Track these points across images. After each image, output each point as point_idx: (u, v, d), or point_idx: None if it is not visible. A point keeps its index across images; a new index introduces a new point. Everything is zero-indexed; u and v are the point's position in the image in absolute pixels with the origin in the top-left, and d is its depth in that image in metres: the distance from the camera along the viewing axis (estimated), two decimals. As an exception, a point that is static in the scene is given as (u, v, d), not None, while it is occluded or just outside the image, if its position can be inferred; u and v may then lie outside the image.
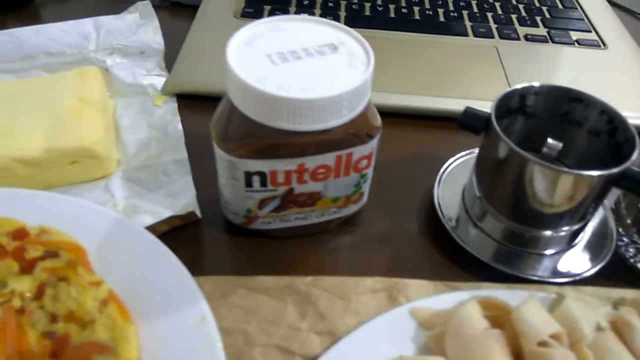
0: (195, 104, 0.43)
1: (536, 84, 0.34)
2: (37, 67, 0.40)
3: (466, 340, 0.25)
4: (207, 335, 0.25)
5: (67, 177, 0.35)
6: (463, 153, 0.40)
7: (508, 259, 0.33)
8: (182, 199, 0.35)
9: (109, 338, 0.25)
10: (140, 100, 0.43)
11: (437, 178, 0.37)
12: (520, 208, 0.32)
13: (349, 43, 0.29)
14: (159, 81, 0.44)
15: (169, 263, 0.28)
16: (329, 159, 0.29)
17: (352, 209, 0.34)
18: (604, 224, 0.36)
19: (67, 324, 0.26)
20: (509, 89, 0.33)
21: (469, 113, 0.33)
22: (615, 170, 0.28)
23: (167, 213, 0.34)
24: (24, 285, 0.27)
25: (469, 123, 0.33)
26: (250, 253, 0.34)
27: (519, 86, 0.33)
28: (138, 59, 0.43)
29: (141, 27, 0.44)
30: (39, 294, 0.27)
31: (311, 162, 0.29)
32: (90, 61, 0.42)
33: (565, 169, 0.31)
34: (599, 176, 0.28)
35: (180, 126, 0.40)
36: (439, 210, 0.35)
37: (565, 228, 0.33)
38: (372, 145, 0.30)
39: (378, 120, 0.30)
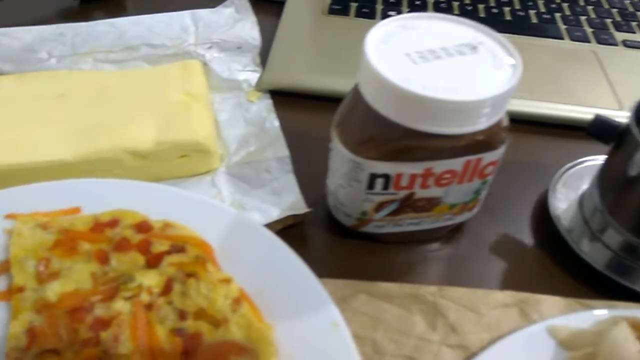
0: (288, 100, 0.43)
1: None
2: (138, 59, 0.40)
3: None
4: (341, 341, 0.24)
5: (174, 171, 0.35)
6: (574, 162, 0.38)
7: (632, 275, 0.31)
8: (287, 197, 0.35)
9: (245, 339, 0.24)
10: (235, 96, 0.42)
11: (551, 187, 0.36)
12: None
13: (488, 43, 0.28)
14: (253, 77, 0.43)
15: (293, 264, 0.27)
16: (457, 164, 0.28)
17: (465, 216, 0.33)
18: None
19: (197, 322, 0.25)
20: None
21: (600, 121, 0.31)
22: None
23: (274, 211, 0.34)
24: (151, 280, 0.27)
25: (598, 132, 0.31)
26: (356, 256, 0.33)
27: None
28: (235, 53, 0.43)
29: (238, 22, 0.43)
30: (166, 290, 0.27)
31: (439, 166, 0.28)
32: (190, 54, 0.41)
33: None
34: None
35: (277, 123, 0.40)
36: (556, 222, 0.33)
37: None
38: (500, 152, 0.29)
39: (509, 126, 0.29)
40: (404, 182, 0.29)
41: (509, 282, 0.31)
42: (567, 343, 0.25)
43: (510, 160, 0.39)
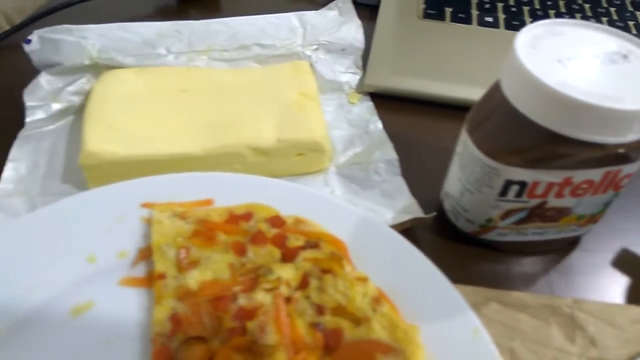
0: (386, 103, 0.43)
1: None
2: (249, 58, 0.41)
3: None
4: (485, 348, 0.24)
5: (289, 168, 0.36)
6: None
7: None
8: (399, 200, 0.35)
9: (390, 339, 0.24)
10: (336, 97, 0.43)
11: (676, 203, 0.34)
12: None
13: (637, 52, 0.27)
14: (354, 79, 0.44)
15: (425, 267, 0.27)
16: (596, 174, 0.28)
17: (589, 228, 0.32)
18: None
19: (336, 318, 0.26)
20: None
21: None
22: None
23: (387, 213, 0.34)
24: (288, 274, 0.27)
25: None
26: (471, 263, 0.33)
27: None
28: (338, 55, 0.43)
29: (344, 25, 0.44)
30: (303, 284, 0.27)
31: (579, 176, 0.27)
32: (297, 55, 0.42)
33: None
34: None
35: (380, 125, 0.40)
36: (685, 239, 0.32)
37: None
38: (638, 165, 0.28)
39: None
40: (539, 190, 0.28)
41: (635, 298, 0.30)
42: None
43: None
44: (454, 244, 0.33)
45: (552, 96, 0.24)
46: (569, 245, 0.33)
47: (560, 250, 0.33)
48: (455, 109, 0.43)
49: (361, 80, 0.44)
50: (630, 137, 0.25)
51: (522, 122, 0.26)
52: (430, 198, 0.35)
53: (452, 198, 0.32)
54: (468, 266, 0.32)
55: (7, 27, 0.53)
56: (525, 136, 0.26)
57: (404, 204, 0.34)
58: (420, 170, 0.37)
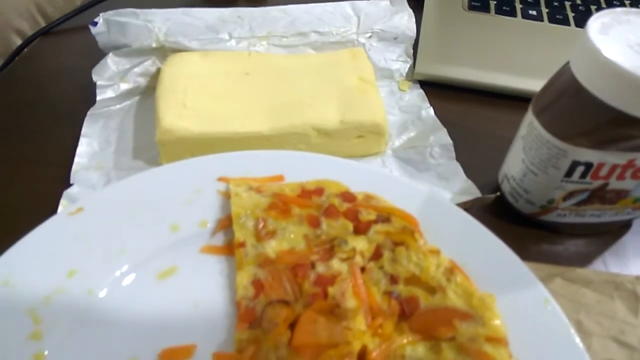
0: (437, 92, 0.44)
1: None
2: (306, 44, 0.43)
3: None
4: (556, 316, 0.25)
5: (350, 150, 0.37)
6: None
7: None
8: (455, 182, 0.36)
9: (467, 306, 0.25)
10: (387, 84, 0.44)
11: None
12: None
13: (703, 40, 0.28)
14: (404, 67, 0.45)
15: (492, 242, 0.29)
16: (660, 157, 0.29)
17: (642, 212, 0.33)
18: None
19: (410, 287, 0.27)
20: None
21: None
22: None
23: (445, 194, 0.35)
24: (362, 245, 0.28)
25: None
26: (529, 243, 0.34)
27: None
28: (390, 44, 0.45)
29: (396, 14, 0.45)
30: (376, 255, 0.28)
31: (643, 158, 0.29)
32: (352, 43, 0.43)
33: None
34: None
35: (432, 112, 0.41)
36: None
37: None
38: (700, 147, 0.29)
39: None
40: (603, 172, 0.29)
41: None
42: None
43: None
44: (511, 225, 0.35)
45: (625, 78, 0.25)
46: (622, 228, 0.34)
47: (613, 232, 0.34)
48: (501, 97, 0.44)
49: (411, 69, 0.45)
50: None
51: (592, 103, 0.27)
52: (485, 182, 0.36)
53: (513, 180, 0.33)
54: (526, 246, 0.33)
55: (40, 20, 0.55)
56: (595, 117, 0.28)
57: (460, 186, 0.36)
58: (474, 155, 0.38)
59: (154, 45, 0.40)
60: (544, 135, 0.29)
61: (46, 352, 0.25)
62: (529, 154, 0.31)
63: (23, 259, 0.27)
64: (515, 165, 0.33)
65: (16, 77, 0.45)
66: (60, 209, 0.32)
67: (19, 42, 0.52)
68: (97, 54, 0.41)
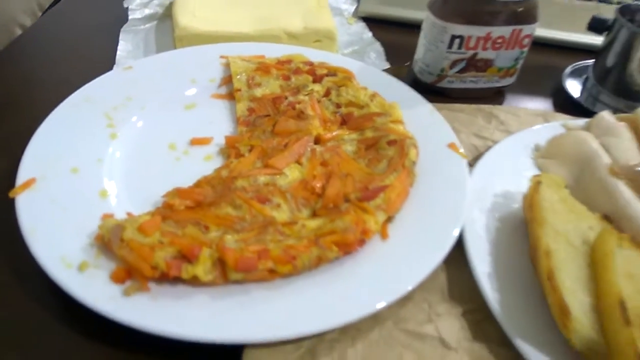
0: (375, 25, 0.60)
1: (645, 1, 0.48)
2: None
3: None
4: (438, 119, 0.41)
5: (311, 50, 0.53)
6: (579, 62, 0.54)
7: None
8: (383, 65, 0.52)
9: (382, 111, 0.41)
10: (339, 19, 0.60)
11: (565, 74, 0.52)
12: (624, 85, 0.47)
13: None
14: (351, 8, 0.61)
15: (399, 85, 0.44)
16: (506, 31, 0.45)
17: (507, 81, 0.50)
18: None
19: (349, 108, 0.42)
20: (626, 3, 0.48)
21: (596, 18, 0.48)
22: None
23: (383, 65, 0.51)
24: (317, 88, 0.44)
25: (595, 25, 0.48)
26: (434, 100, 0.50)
27: (634, 2, 0.48)
28: (340, -11, 0.61)
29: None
30: (326, 94, 0.44)
31: (495, 32, 0.45)
32: (312, -13, 0.60)
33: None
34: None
35: (370, 34, 0.58)
36: (569, 91, 0.50)
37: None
38: (534, 27, 0.46)
39: (538, 13, 0.46)
40: (472, 43, 0.46)
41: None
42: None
43: (539, 61, 0.56)
44: (422, 94, 0.51)
45: (474, -28, 0.42)
46: (497, 95, 0.51)
47: (489, 97, 0.50)
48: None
49: (356, 9, 0.61)
50: (522, -4, 0.43)
51: (459, -6, 0.44)
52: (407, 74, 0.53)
53: (419, 60, 0.49)
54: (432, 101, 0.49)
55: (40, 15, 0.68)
56: (464, 2, 0.44)
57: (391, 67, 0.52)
58: (399, 60, 0.54)
59: (167, -17, 0.55)
60: (433, 20, 0.46)
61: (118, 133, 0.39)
62: (426, 37, 0.47)
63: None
64: (419, 49, 0.49)
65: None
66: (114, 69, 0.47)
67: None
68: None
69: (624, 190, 0.35)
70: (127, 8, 0.54)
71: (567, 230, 0.31)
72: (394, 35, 0.58)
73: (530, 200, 0.32)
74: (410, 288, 0.30)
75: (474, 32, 0.45)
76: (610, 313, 0.26)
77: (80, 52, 0.52)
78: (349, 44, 0.56)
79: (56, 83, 0.48)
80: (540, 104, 0.50)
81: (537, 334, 0.28)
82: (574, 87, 0.52)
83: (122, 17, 0.55)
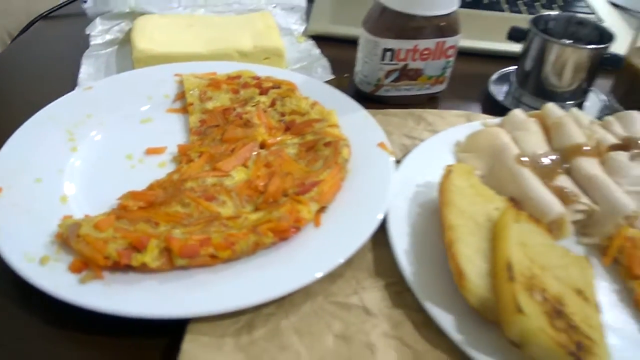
0: (323, 42, 0.66)
1: (554, 12, 0.54)
2: (231, 11, 0.64)
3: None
4: (371, 122, 0.46)
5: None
6: (503, 70, 0.60)
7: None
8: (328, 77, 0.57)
9: (321, 117, 0.46)
10: (289, 39, 0.65)
11: (491, 80, 0.58)
12: (541, 87, 0.53)
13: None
14: (301, 28, 0.67)
15: (338, 95, 0.49)
16: (432, 43, 0.51)
17: (438, 88, 0.55)
18: (601, 106, 0.56)
19: (292, 116, 0.47)
20: (538, 14, 0.54)
21: (515, 29, 0.54)
22: (600, 46, 0.49)
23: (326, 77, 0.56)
24: (264, 99, 0.48)
25: (515, 34, 0.54)
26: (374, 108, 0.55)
27: (544, 13, 0.54)
28: (290, 12, 0.67)
29: (292, -8, 0.67)
30: (272, 104, 0.48)
31: (422, 44, 0.50)
32: (262, 9, 0.65)
33: (571, 43, 0.51)
34: (590, 49, 0.49)
35: (318, 51, 0.63)
36: (494, 95, 0.56)
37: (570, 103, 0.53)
38: (457, 38, 0.51)
39: (460, 26, 0.51)
40: (402, 55, 0.51)
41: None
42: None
43: (468, 69, 0.62)
44: (361, 102, 0.55)
45: (396, -7, 0.48)
46: (431, 101, 0.56)
47: (424, 103, 0.56)
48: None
49: (306, 28, 0.67)
50: (442, 11, 0.48)
51: (390, 11, 0.49)
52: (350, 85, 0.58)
53: (359, 71, 0.55)
54: (371, 108, 0.54)
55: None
56: (391, 19, 0.49)
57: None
58: (344, 72, 0.60)
59: (127, 10, 0.60)
60: (367, 36, 0.51)
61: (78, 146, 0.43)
62: (362, 51, 0.53)
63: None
64: (358, 62, 0.54)
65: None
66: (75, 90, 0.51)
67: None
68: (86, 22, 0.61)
69: (529, 177, 0.40)
70: (88, 35, 0.58)
71: (473, 210, 0.36)
72: (339, 51, 0.64)
73: (441, 186, 0.37)
74: (341, 261, 0.34)
75: (403, 45, 0.50)
76: (499, 273, 0.30)
77: (46, 77, 0.56)
78: (297, 60, 0.61)
79: (23, 104, 0.51)
80: (469, 108, 0.56)
81: (445, 299, 0.32)
82: (499, 92, 0.57)
83: (86, 44, 0.59)
